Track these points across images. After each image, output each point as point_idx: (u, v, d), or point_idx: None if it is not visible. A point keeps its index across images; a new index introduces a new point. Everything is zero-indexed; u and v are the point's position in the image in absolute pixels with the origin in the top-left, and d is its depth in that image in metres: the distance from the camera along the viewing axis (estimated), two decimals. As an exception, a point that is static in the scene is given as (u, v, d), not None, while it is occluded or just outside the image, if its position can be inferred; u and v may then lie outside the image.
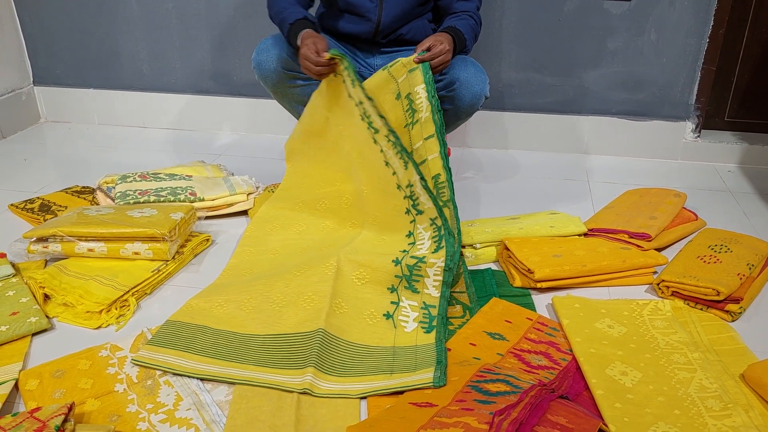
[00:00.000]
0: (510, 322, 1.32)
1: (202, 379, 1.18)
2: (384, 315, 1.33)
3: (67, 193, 1.88)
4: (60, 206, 1.78)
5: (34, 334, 1.30)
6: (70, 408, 1.04)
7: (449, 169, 1.47)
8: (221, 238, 1.68)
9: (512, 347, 1.25)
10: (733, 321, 1.34)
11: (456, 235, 1.40)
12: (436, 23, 1.76)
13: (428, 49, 1.47)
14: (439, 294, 1.34)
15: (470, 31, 1.63)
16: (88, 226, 1.50)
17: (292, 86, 1.67)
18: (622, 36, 2.07)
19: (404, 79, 1.50)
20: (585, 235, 1.61)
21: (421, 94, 1.47)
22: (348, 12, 1.69)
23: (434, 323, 1.29)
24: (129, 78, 2.46)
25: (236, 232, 1.71)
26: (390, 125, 1.45)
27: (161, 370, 1.20)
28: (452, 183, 1.47)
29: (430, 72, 1.47)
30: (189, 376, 1.18)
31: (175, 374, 1.19)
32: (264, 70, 1.65)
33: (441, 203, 1.44)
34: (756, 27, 2.05)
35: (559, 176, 2.07)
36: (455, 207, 1.46)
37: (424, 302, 1.34)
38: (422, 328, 1.29)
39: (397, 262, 1.38)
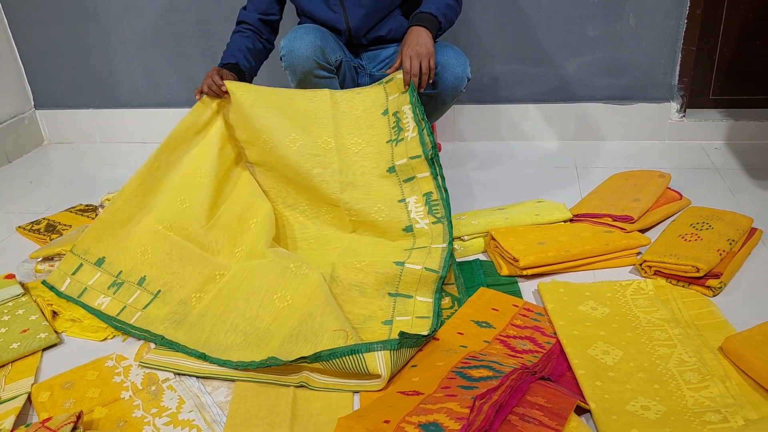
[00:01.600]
0: (497, 310, 1.37)
1: (205, 377, 1.25)
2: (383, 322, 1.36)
3: (71, 212, 1.95)
4: (65, 225, 1.84)
5: (44, 349, 1.37)
6: (79, 416, 1.10)
7: (445, 189, 1.54)
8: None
9: (498, 334, 1.29)
10: (714, 296, 1.37)
11: (448, 251, 1.48)
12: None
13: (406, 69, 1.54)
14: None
15: (443, 8, 1.63)
16: (90, 243, 1.56)
17: (317, 77, 1.67)
18: (600, 23, 2.10)
19: (395, 97, 1.57)
20: (570, 221, 1.65)
21: (408, 114, 1.55)
22: (320, 24, 1.74)
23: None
24: (126, 96, 2.53)
25: (234, 240, 1.76)
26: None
27: (167, 371, 1.26)
28: (448, 202, 1.54)
29: (416, 94, 1.54)
30: (192, 375, 1.25)
31: (179, 374, 1.26)
32: (295, 57, 1.62)
33: (434, 219, 1.52)
34: (733, 5, 2.07)
35: (547, 164, 2.10)
36: (450, 224, 1.52)
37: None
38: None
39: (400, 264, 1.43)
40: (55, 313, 1.47)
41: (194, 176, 1.63)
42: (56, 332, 1.41)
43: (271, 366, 1.22)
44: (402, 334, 1.19)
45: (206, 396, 1.21)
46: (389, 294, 1.40)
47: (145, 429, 1.14)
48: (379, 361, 1.15)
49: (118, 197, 1.58)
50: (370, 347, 1.16)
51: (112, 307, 1.46)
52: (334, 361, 1.16)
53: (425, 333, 1.26)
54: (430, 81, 1.57)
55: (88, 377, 1.27)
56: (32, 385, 1.26)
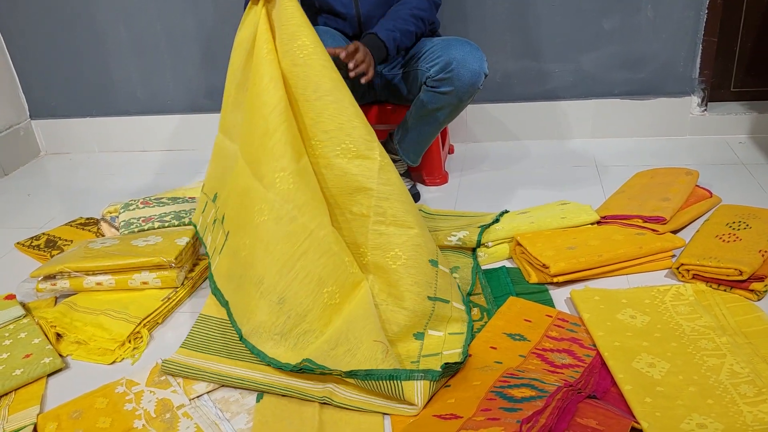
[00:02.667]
0: (529, 321, 1.29)
1: (225, 385, 1.20)
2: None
3: (71, 226, 1.87)
4: (66, 240, 1.76)
5: (49, 375, 1.29)
6: (90, 450, 1.02)
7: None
8: (229, 258, 1.66)
9: (534, 347, 1.22)
10: (758, 300, 1.30)
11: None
12: None
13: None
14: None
15: (397, 33, 1.58)
16: (94, 260, 1.48)
17: None
18: (617, 15, 2.02)
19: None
20: (598, 223, 1.58)
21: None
22: (327, 12, 1.65)
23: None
24: (124, 103, 2.45)
25: (244, 251, 1.68)
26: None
27: (187, 375, 1.22)
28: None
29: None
30: (214, 381, 1.20)
31: (198, 379, 1.22)
32: None
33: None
34: (754, -7, 2.01)
35: (566, 164, 2.03)
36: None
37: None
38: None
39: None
40: (59, 335, 1.39)
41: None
42: (61, 356, 1.33)
43: (303, 371, 1.15)
44: (445, 365, 1.12)
45: (225, 423, 1.13)
46: (429, 298, 1.28)
47: (162, 461, 1.06)
48: (417, 390, 1.08)
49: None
50: (410, 375, 1.09)
51: (210, 247, 1.49)
52: (369, 381, 1.08)
53: (459, 360, 1.17)
54: (359, 73, 1.47)
55: (98, 405, 1.19)
56: (38, 415, 1.17)
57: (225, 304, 1.37)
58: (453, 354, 1.20)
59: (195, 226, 1.60)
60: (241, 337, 1.29)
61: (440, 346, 1.23)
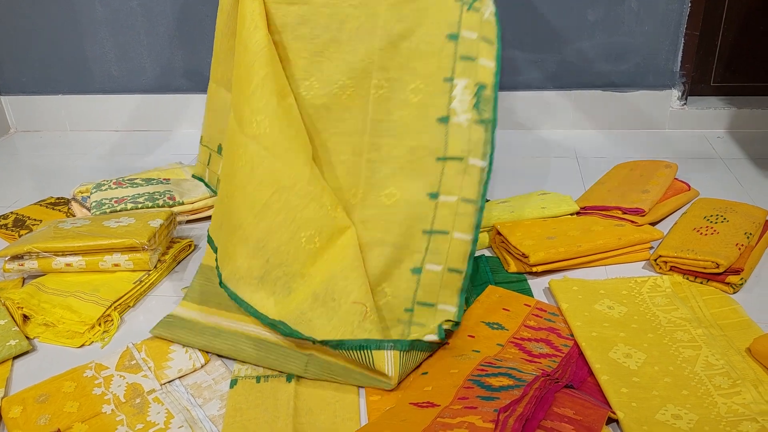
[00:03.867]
0: (508, 310, 1.28)
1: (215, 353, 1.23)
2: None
3: (41, 205, 1.81)
4: (35, 220, 1.71)
5: (14, 358, 1.25)
6: (56, 435, 0.99)
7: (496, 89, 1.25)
8: (204, 242, 1.63)
9: (512, 336, 1.21)
10: (734, 293, 1.31)
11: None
12: None
13: None
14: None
15: None
16: (63, 240, 1.44)
17: None
18: (602, 6, 2.01)
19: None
20: (577, 213, 1.58)
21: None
22: None
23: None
24: (99, 81, 2.38)
25: (220, 235, 1.65)
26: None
27: (178, 340, 1.24)
28: (496, 103, 1.22)
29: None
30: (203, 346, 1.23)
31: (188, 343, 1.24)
32: None
33: (478, 117, 1.20)
34: (737, -12, 2.01)
35: (546, 154, 2.03)
36: (494, 128, 1.21)
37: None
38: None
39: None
40: (26, 317, 1.34)
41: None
42: (28, 338, 1.29)
43: (279, 331, 1.16)
44: (412, 343, 1.11)
45: (197, 409, 1.10)
46: (424, 232, 1.22)
47: (131, 447, 1.03)
48: (388, 361, 1.07)
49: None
50: (379, 345, 1.09)
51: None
52: (340, 351, 1.08)
53: (435, 337, 1.16)
54: None
55: (65, 389, 1.15)
56: (2, 398, 1.14)
57: (215, 250, 1.36)
58: (435, 328, 1.18)
59: (203, 180, 1.62)
60: (220, 282, 1.27)
61: (436, 294, 1.21)
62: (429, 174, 1.22)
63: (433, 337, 1.15)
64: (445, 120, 1.21)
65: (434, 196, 1.22)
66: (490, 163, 1.21)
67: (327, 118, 1.27)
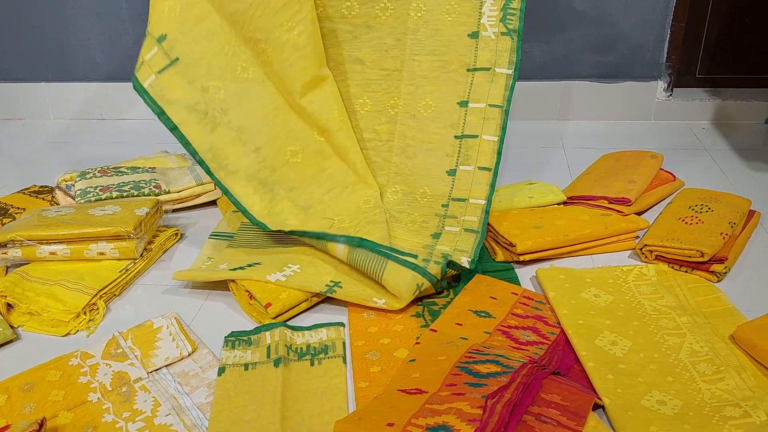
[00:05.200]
0: (495, 299, 1.29)
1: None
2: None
3: (24, 194, 1.79)
4: (18, 209, 1.69)
5: (-2, 347, 1.24)
6: (42, 423, 0.98)
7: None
8: (190, 231, 1.62)
9: (499, 324, 1.22)
10: (718, 281, 1.32)
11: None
12: None
13: None
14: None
15: None
16: (48, 229, 1.42)
17: None
18: (590, -4, 2.02)
19: None
20: (564, 203, 1.59)
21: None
22: None
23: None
24: (82, 68, 2.35)
25: (206, 224, 1.64)
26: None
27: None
28: (523, 13, 1.42)
29: None
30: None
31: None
32: None
33: (504, 29, 1.41)
34: (723, -20, 2.03)
35: (533, 145, 2.03)
36: (520, 39, 1.42)
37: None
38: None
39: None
40: (9, 306, 1.33)
41: None
42: (12, 327, 1.28)
43: (278, 232, 1.38)
44: (448, 264, 1.30)
45: (184, 397, 1.10)
46: (455, 137, 1.40)
47: (117, 435, 1.03)
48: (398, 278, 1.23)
49: None
50: (401, 260, 1.26)
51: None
52: (358, 251, 1.26)
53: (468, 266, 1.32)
54: None
55: (51, 378, 1.14)
56: (-14, 387, 1.13)
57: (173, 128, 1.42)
58: (461, 253, 1.34)
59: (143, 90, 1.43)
60: (208, 171, 1.39)
61: (468, 189, 1.41)
62: (460, 84, 1.42)
63: (466, 261, 1.31)
64: (475, 35, 1.41)
65: (464, 104, 1.42)
66: (516, 70, 1.41)
67: (367, 36, 1.44)
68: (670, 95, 2.12)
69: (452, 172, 1.40)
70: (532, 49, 2.11)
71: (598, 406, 1.03)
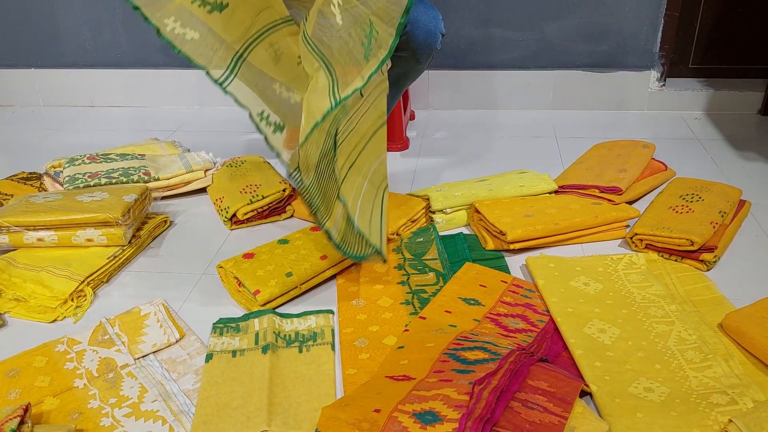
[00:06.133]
0: (485, 287, 1.29)
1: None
2: None
3: (12, 180, 1.78)
4: (5, 195, 1.68)
5: (-16, 333, 1.23)
6: (26, 409, 0.97)
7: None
8: (180, 218, 1.61)
9: (488, 312, 1.21)
10: (708, 270, 1.32)
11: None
12: None
13: None
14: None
15: None
16: (35, 215, 1.41)
17: None
18: (583, -15, 2.01)
19: None
20: (555, 192, 1.58)
21: None
22: None
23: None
24: (72, 55, 2.33)
25: (195, 211, 1.63)
26: None
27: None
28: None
29: None
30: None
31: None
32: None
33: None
34: (717, -30, 2.02)
35: (526, 134, 2.03)
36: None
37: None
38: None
39: None
40: (-4, 292, 1.32)
41: None
42: (-2, 313, 1.27)
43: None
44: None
45: (171, 383, 1.09)
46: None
47: (103, 421, 1.02)
48: None
49: None
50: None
51: None
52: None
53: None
54: None
55: (36, 364, 1.13)
56: (-29, 373, 1.12)
57: None
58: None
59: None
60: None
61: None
62: None
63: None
64: None
65: None
66: None
67: None
68: (663, 85, 2.11)
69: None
70: (526, 38, 2.10)
71: (585, 393, 1.03)
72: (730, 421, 0.92)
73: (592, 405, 1.01)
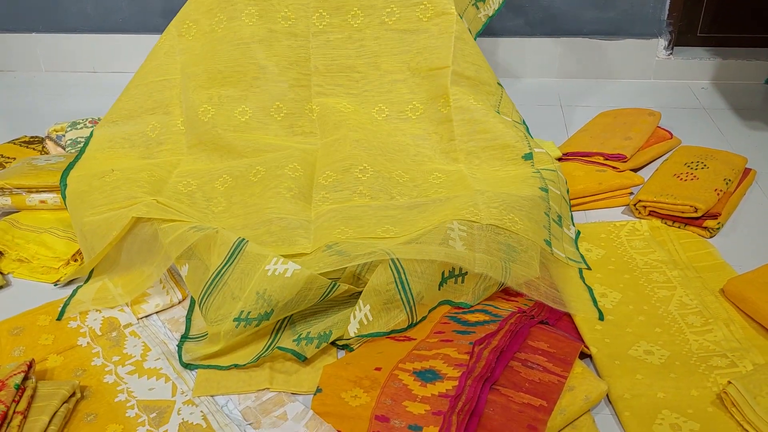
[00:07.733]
0: (487, 251, 1.28)
1: None
2: None
3: (14, 144, 1.77)
4: (8, 158, 1.67)
5: (-12, 293, 1.24)
6: (30, 365, 0.98)
7: None
8: (183, 182, 1.60)
9: (490, 276, 1.21)
10: (711, 237, 1.32)
11: None
12: None
13: None
14: None
15: None
16: (37, 177, 1.41)
17: None
18: (592, -50, 1.98)
19: None
20: (560, 159, 1.57)
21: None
22: None
23: None
24: (74, 20, 2.30)
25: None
26: None
27: None
28: None
29: None
30: None
31: None
32: None
33: None
34: (728, -65, 1.98)
35: (531, 102, 2.01)
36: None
37: None
38: None
39: None
40: (0, 253, 1.32)
41: None
42: (2, 274, 1.27)
43: None
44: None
45: (174, 342, 1.10)
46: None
47: (106, 378, 1.03)
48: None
49: None
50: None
51: None
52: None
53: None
54: None
55: (40, 322, 1.14)
56: (-24, 331, 1.13)
57: None
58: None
59: None
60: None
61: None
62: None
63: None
64: None
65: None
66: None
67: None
68: (671, 54, 2.08)
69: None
70: (533, 4, 2.07)
71: (585, 356, 1.03)
72: (729, 382, 0.92)
73: (592, 367, 1.01)
